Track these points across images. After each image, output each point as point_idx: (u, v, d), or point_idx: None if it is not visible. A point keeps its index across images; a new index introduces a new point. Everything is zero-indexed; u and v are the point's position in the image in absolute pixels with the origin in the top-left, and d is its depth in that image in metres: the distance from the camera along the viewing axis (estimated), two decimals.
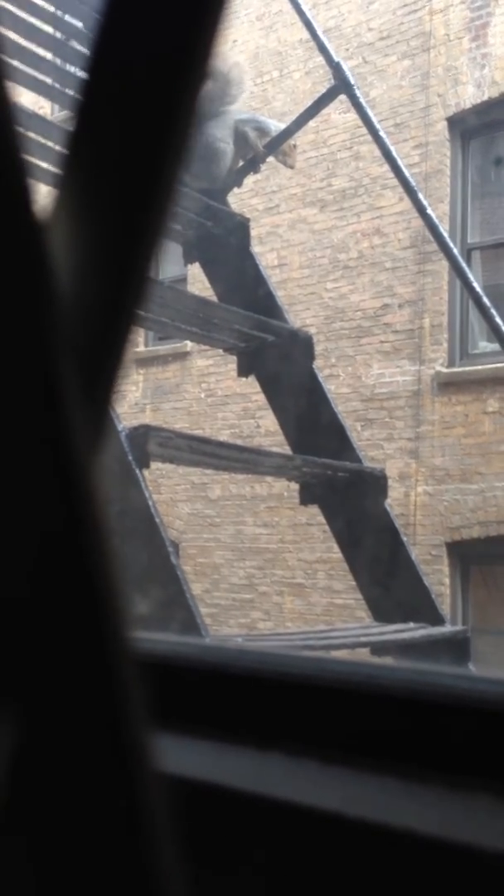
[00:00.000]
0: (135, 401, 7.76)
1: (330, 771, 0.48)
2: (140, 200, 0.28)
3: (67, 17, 2.91)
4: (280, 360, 2.75)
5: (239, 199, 4.96)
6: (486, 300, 2.63)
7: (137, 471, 2.01)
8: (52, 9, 2.88)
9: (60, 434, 0.24)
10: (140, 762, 0.25)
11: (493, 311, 2.58)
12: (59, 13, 2.91)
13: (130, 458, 2.02)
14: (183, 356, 7.45)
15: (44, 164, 2.28)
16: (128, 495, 2.02)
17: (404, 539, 2.58)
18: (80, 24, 2.92)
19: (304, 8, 3.12)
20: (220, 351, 2.99)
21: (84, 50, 2.84)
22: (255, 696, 0.57)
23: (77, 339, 0.26)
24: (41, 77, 2.78)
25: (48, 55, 2.86)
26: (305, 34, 3.15)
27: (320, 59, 3.03)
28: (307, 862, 0.42)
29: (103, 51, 0.29)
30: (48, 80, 2.83)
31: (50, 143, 2.40)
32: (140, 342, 7.82)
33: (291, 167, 3.22)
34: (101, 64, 0.29)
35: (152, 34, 0.29)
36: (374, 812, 0.41)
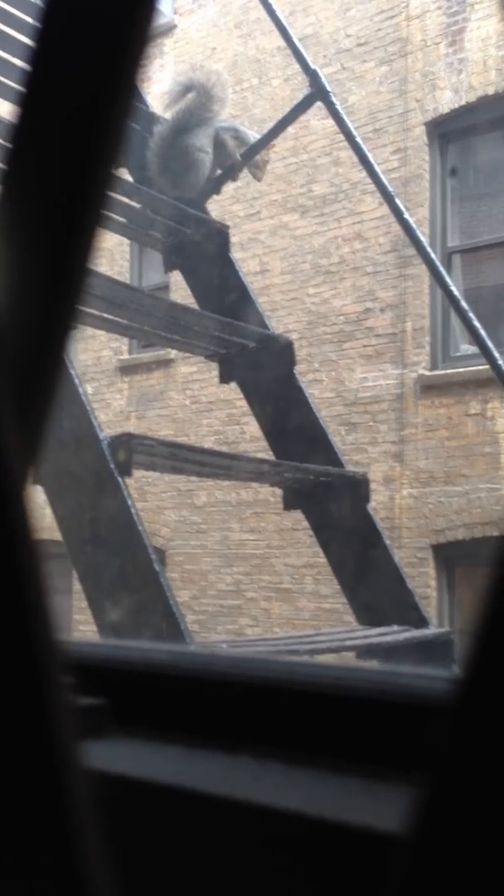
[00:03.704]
0: (119, 409, 7.76)
1: (294, 772, 0.48)
2: (73, 218, 0.28)
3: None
4: (261, 366, 2.76)
5: (220, 206, 4.97)
6: (464, 304, 2.65)
7: (120, 479, 2.02)
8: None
9: None
10: (67, 765, 0.26)
11: (471, 315, 2.60)
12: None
13: (112, 466, 2.02)
14: (167, 363, 7.45)
15: None
16: (110, 504, 2.02)
17: (387, 542, 2.59)
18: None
19: (281, 16, 3.14)
20: (203, 358, 3.00)
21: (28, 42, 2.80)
22: (226, 702, 0.58)
23: (11, 356, 0.27)
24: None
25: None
26: (283, 41, 3.17)
27: (299, 66, 3.05)
28: (269, 860, 0.43)
29: (41, 63, 0.30)
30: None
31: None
32: (124, 350, 7.82)
33: (259, 180, 3.25)
34: (37, 79, 0.30)
35: (83, 47, 0.29)
36: (332, 811, 0.41)
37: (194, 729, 0.57)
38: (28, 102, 0.32)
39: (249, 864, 0.44)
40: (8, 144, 0.32)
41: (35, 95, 0.32)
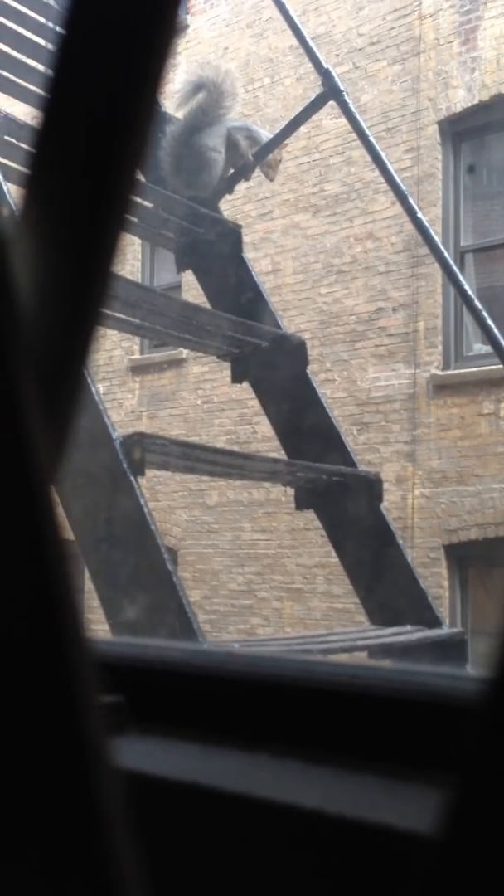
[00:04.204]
0: (131, 408, 7.77)
1: (312, 770, 0.48)
2: (98, 217, 0.29)
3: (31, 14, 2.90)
4: (273, 366, 2.76)
5: (232, 206, 4.97)
6: (477, 303, 2.64)
7: (132, 478, 2.02)
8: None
9: (20, 448, 0.25)
10: (98, 762, 0.26)
11: (485, 314, 2.59)
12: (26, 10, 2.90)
13: (125, 465, 2.02)
14: (178, 363, 7.46)
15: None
16: (123, 503, 2.02)
17: (400, 542, 2.59)
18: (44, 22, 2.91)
19: (293, 15, 3.14)
20: (215, 357, 3.00)
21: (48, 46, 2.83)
22: (242, 699, 0.58)
23: (38, 353, 0.27)
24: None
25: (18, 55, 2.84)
26: (296, 40, 3.16)
27: (311, 65, 3.05)
28: (288, 858, 0.43)
29: (61, 72, 0.30)
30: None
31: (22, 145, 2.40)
32: (135, 350, 7.83)
33: (271, 180, 3.25)
34: (59, 82, 0.30)
35: (106, 53, 0.30)
36: (352, 808, 0.41)
37: (211, 727, 0.57)
38: (50, 106, 0.32)
39: (269, 861, 0.44)
40: (30, 148, 0.33)
41: (57, 99, 0.32)
